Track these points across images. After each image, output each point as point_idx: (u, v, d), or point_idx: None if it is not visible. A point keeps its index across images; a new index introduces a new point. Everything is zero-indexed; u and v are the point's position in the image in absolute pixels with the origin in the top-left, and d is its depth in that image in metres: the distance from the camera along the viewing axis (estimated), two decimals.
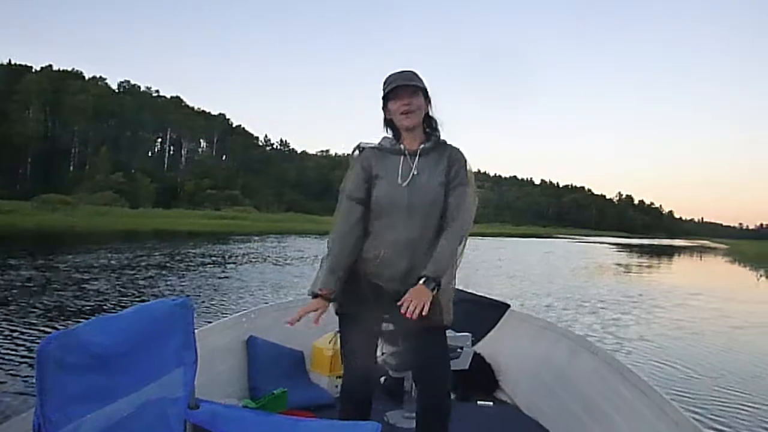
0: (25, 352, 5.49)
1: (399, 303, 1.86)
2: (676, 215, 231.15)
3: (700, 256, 45.51)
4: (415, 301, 1.84)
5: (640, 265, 26.69)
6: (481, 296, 4.13)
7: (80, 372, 1.27)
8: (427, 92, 2.09)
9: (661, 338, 7.89)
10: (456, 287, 2.17)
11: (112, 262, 14.60)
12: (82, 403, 1.27)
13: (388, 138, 2.12)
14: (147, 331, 1.47)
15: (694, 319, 9.94)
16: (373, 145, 2.13)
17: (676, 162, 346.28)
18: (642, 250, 47.54)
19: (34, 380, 1.26)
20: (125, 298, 9.18)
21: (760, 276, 22.03)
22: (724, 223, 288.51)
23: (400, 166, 2.05)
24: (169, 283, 11.39)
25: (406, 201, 2.01)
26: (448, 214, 2.05)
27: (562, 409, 2.99)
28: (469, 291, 4.03)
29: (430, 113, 2.11)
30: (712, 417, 4.52)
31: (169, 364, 1.51)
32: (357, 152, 2.15)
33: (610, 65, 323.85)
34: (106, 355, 1.33)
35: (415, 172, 2.04)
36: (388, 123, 2.11)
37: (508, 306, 4.09)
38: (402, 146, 2.08)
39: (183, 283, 11.32)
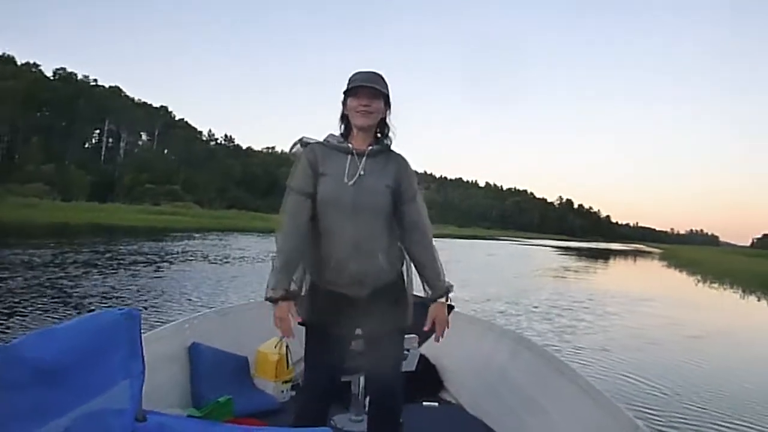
0: None
1: (426, 329, 2.08)
2: (613, 220, 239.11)
3: (635, 260, 46.99)
4: (442, 325, 2.11)
5: (585, 269, 27.17)
6: (425, 298, 4.11)
7: (22, 388, 1.23)
8: (388, 98, 2.10)
9: (622, 350, 7.69)
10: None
11: (35, 258, 13.51)
12: (25, 420, 1.22)
13: (335, 136, 2.11)
14: (92, 343, 1.41)
15: (649, 327, 9.93)
16: (318, 141, 2.13)
17: (614, 168, 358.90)
18: (583, 253, 48.70)
19: None
20: (42, 299, 8.39)
21: (697, 281, 22.68)
22: (657, 228, 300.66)
23: (347, 164, 2.03)
24: (95, 282, 10.58)
25: (352, 200, 1.99)
26: (417, 227, 2.09)
27: (504, 407, 3.07)
28: (414, 293, 4.09)
29: (387, 119, 2.12)
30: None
31: (115, 376, 1.45)
32: (298, 147, 2.22)
33: (552, 71, 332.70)
34: (48, 370, 1.28)
35: (362, 173, 2.03)
36: (344, 118, 2.11)
37: (453, 307, 4.26)
38: (350, 145, 2.07)
39: (108, 283, 10.56)
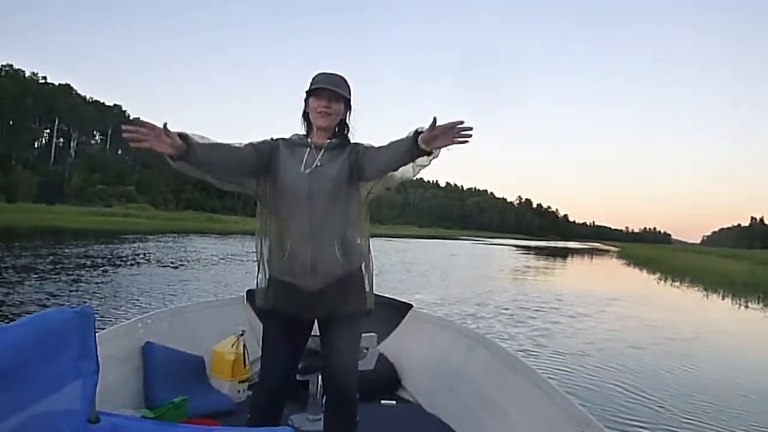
0: None
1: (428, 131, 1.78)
2: (570, 219, 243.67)
3: (594, 258, 47.53)
4: (443, 125, 1.76)
5: (548, 269, 27.15)
6: (384, 297, 4.03)
7: None
8: (349, 101, 2.15)
9: (604, 355, 7.25)
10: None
11: None
12: None
13: (298, 135, 2.17)
14: (42, 341, 1.36)
15: (624, 329, 9.60)
16: (282, 138, 2.17)
17: (572, 168, 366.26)
18: (543, 252, 49.05)
19: None
20: None
21: (659, 280, 22.82)
22: (613, 227, 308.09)
23: (305, 156, 2.09)
24: (36, 287, 9.81)
25: (307, 189, 2.04)
26: (375, 149, 2.05)
27: (460, 405, 3.08)
28: (376, 293, 3.91)
29: (347, 120, 2.17)
30: None
31: (66, 376, 1.41)
32: None
33: (514, 76, 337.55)
34: None
35: (319, 164, 2.08)
36: (305, 116, 2.17)
37: (411, 306, 4.14)
38: (309, 140, 2.13)
39: (46, 289, 9.74)
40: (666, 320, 10.96)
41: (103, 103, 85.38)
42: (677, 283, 21.04)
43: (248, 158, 2.01)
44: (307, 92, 2.11)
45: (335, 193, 2.06)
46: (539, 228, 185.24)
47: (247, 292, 3.94)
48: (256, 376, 3.13)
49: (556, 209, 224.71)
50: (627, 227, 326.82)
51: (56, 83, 79.86)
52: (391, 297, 4.36)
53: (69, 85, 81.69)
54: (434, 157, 1.88)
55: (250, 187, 2.11)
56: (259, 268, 2.17)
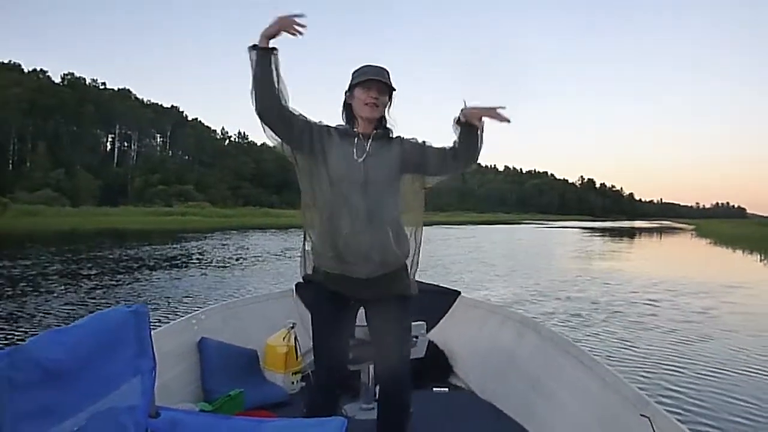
0: None
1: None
2: (636, 197, 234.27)
3: (668, 237, 44.48)
4: (481, 108, 1.99)
5: (630, 251, 25.14)
6: (431, 284, 4.10)
7: (33, 389, 1.21)
8: (392, 94, 2.17)
9: None
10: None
11: (29, 271, 12.09)
12: (38, 420, 1.21)
13: (340, 124, 2.16)
14: (101, 341, 1.39)
15: None
16: (326, 125, 2.14)
17: (635, 144, 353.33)
18: (615, 234, 46.42)
19: None
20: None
21: (764, 261, 20.07)
22: (682, 203, 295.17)
23: (355, 145, 2.09)
24: (102, 287, 9.77)
25: (363, 177, 2.04)
26: (443, 149, 2.12)
27: (513, 390, 3.06)
28: (419, 280, 3.60)
29: (386, 113, 2.18)
30: None
31: (125, 373, 1.45)
32: None
33: (570, 52, 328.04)
34: (59, 370, 1.26)
35: (370, 153, 2.08)
36: (347, 108, 2.16)
37: (459, 293, 4.16)
38: (356, 130, 2.13)
39: (110, 288, 9.11)
40: None
41: (161, 105, 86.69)
42: None
43: (296, 121, 2.04)
44: (353, 84, 2.11)
45: (388, 182, 2.09)
46: (602, 208, 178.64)
47: (296, 285, 4.01)
48: (308, 368, 3.31)
49: (621, 188, 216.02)
50: (697, 203, 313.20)
51: (115, 88, 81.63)
52: (439, 284, 4.34)
53: (127, 89, 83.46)
54: (477, 134, 2.04)
55: (286, 150, 2.10)
56: (305, 256, 2.19)
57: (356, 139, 2.09)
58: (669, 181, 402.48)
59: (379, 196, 2.04)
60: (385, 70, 2.13)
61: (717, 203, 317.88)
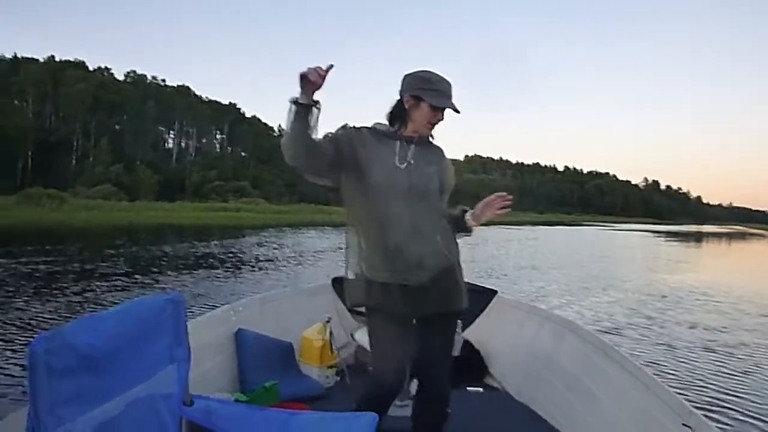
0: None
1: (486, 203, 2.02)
2: (704, 200, 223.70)
3: (746, 243, 41.09)
4: (492, 199, 2.01)
5: (717, 258, 22.64)
6: (468, 283, 3.47)
7: (70, 373, 1.22)
8: None
9: None
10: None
11: (75, 265, 11.80)
12: (74, 405, 1.22)
13: (382, 124, 2.08)
14: (137, 328, 1.41)
15: None
16: (366, 126, 2.07)
17: (704, 147, 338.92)
18: (690, 238, 43.37)
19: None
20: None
21: None
22: (753, 208, 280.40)
23: (397, 150, 2.03)
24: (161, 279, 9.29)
25: (407, 183, 1.99)
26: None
27: (550, 393, 2.99)
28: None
29: None
30: None
31: (161, 361, 1.46)
32: (341, 132, 2.07)
33: (633, 50, 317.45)
34: (96, 355, 1.28)
35: (412, 160, 2.03)
36: (399, 108, 2.05)
37: (495, 292, 4.08)
38: (400, 133, 2.06)
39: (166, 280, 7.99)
40: None
41: (219, 102, 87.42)
42: None
43: (325, 150, 1.92)
44: (422, 96, 1.98)
45: (432, 188, 2.04)
46: (668, 211, 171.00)
47: (333, 279, 4.03)
48: (343, 363, 3.44)
49: (688, 190, 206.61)
50: None
51: (175, 85, 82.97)
52: (475, 283, 4.02)
53: (187, 86, 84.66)
54: (471, 229, 2.11)
55: (332, 180, 2.04)
56: (349, 264, 2.09)
57: (398, 143, 2.03)
58: (740, 183, 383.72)
59: (425, 204, 2.00)
60: (451, 86, 2.04)
61: None
